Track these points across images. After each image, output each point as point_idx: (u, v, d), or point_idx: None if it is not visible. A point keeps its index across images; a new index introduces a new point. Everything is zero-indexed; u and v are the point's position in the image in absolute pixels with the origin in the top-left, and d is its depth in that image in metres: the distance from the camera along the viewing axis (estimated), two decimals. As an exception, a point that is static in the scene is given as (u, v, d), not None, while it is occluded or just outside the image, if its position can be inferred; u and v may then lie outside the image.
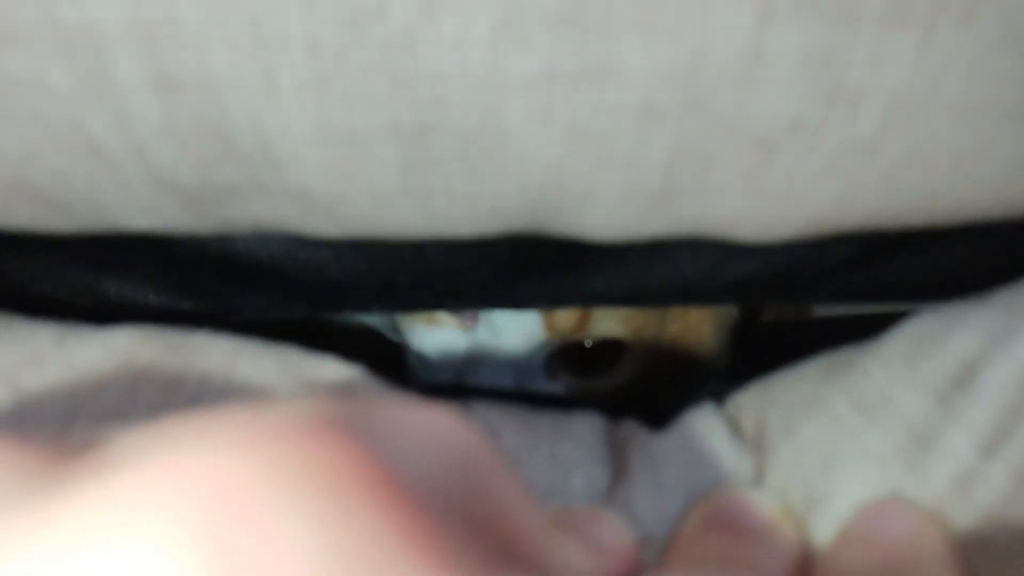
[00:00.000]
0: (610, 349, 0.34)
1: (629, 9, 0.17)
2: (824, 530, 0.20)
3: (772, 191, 0.20)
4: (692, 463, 0.23)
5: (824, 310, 0.42)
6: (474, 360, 0.34)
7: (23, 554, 0.10)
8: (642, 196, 0.21)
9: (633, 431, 0.24)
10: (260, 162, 0.20)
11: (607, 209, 0.21)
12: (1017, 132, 0.19)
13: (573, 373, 0.35)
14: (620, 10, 0.17)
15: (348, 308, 0.29)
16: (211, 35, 0.17)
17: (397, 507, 0.11)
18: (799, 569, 0.20)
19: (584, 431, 0.24)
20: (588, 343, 0.34)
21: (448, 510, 0.12)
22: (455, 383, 0.34)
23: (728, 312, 0.36)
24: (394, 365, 0.36)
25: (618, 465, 0.23)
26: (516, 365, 0.34)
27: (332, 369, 0.24)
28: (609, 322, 0.33)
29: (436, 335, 0.34)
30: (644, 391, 0.35)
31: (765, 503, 0.21)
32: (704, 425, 0.24)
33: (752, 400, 0.24)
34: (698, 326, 0.35)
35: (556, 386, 0.35)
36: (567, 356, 0.35)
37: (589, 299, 0.27)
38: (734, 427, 0.24)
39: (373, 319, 0.37)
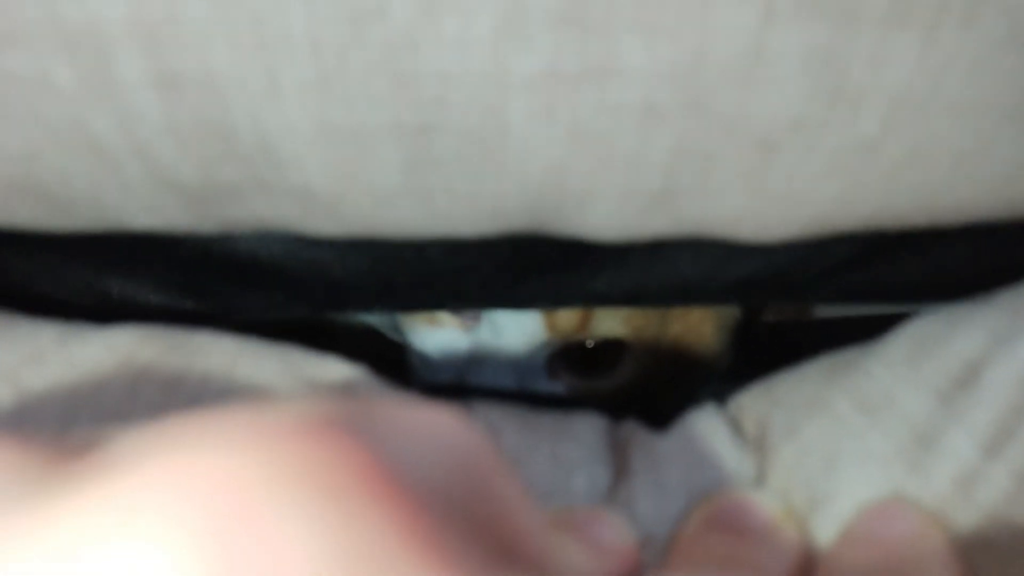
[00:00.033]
0: (611, 349, 0.34)
1: (630, 9, 0.17)
2: (826, 530, 0.20)
3: (773, 191, 0.20)
4: (694, 463, 0.23)
5: (825, 311, 0.42)
6: (475, 360, 0.34)
7: (23, 554, 0.10)
8: (643, 196, 0.21)
9: (634, 431, 0.24)
10: (261, 161, 0.20)
11: (608, 209, 0.21)
12: (1018, 132, 0.19)
13: (574, 373, 0.35)
14: (621, 10, 0.17)
15: (350, 308, 0.29)
16: (213, 34, 0.17)
17: (398, 507, 0.11)
18: (801, 569, 0.20)
19: (585, 431, 0.24)
20: (589, 343, 0.34)
21: (449, 510, 0.12)
22: (456, 383, 0.34)
23: (730, 312, 0.36)
24: (395, 365, 0.36)
25: (619, 465, 0.23)
26: (517, 365, 0.34)
27: (333, 369, 0.24)
28: (610, 322, 0.33)
29: (437, 335, 0.34)
30: (645, 391, 0.35)
31: (767, 503, 0.21)
32: (706, 425, 0.24)
33: (754, 400, 0.24)
34: (699, 326, 0.35)
35: (557, 386, 0.35)
36: (568, 356, 0.35)
37: (590, 299, 0.27)
38: (736, 427, 0.24)
39: (374, 319, 0.37)
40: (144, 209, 0.21)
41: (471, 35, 0.17)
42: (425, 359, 0.35)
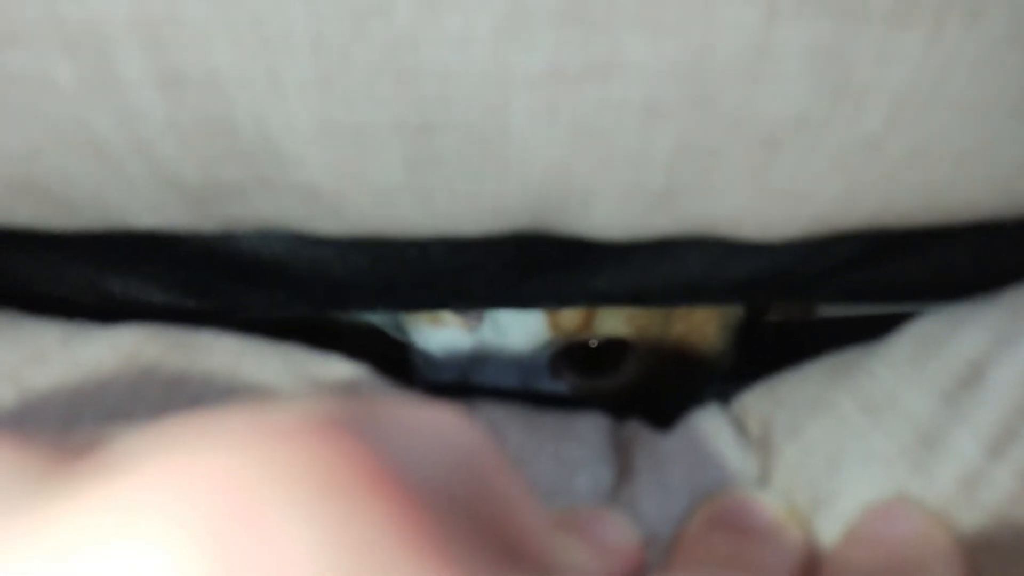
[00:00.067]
0: (615, 349, 0.34)
1: (633, 5, 0.17)
2: (830, 530, 0.20)
3: (776, 189, 0.20)
4: (697, 463, 0.23)
5: (829, 311, 0.42)
6: (478, 359, 0.34)
7: (24, 554, 0.10)
8: (646, 194, 0.20)
9: (638, 431, 0.24)
10: (264, 159, 0.20)
11: (611, 207, 0.21)
12: (1022, 130, 0.19)
13: (578, 373, 0.35)
14: (624, 6, 0.17)
15: (352, 307, 0.29)
16: (215, 32, 0.17)
17: (400, 506, 0.11)
18: (804, 570, 0.20)
19: (589, 431, 0.24)
20: (593, 343, 0.34)
21: (452, 509, 0.12)
22: (459, 382, 0.34)
23: (733, 312, 0.36)
24: (398, 364, 0.36)
25: (622, 465, 0.23)
26: (520, 365, 0.34)
27: (336, 368, 0.24)
28: (614, 322, 0.33)
29: (440, 334, 0.34)
30: (648, 391, 0.35)
31: (770, 503, 0.21)
32: (709, 425, 0.24)
33: (757, 400, 0.24)
34: (703, 326, 0.35)
35: (560, 386, 0.35)
36: (572, 356, 0.35)
37: (593, 298, 0.27)
38: (739, 427, 0.24)
39: (378, 318, 0.37)
40: (146, 208, 0.21)
41: (473, 33, 0.17)
42: (428, 358, 0.35)
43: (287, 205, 0.21)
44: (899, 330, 0.23)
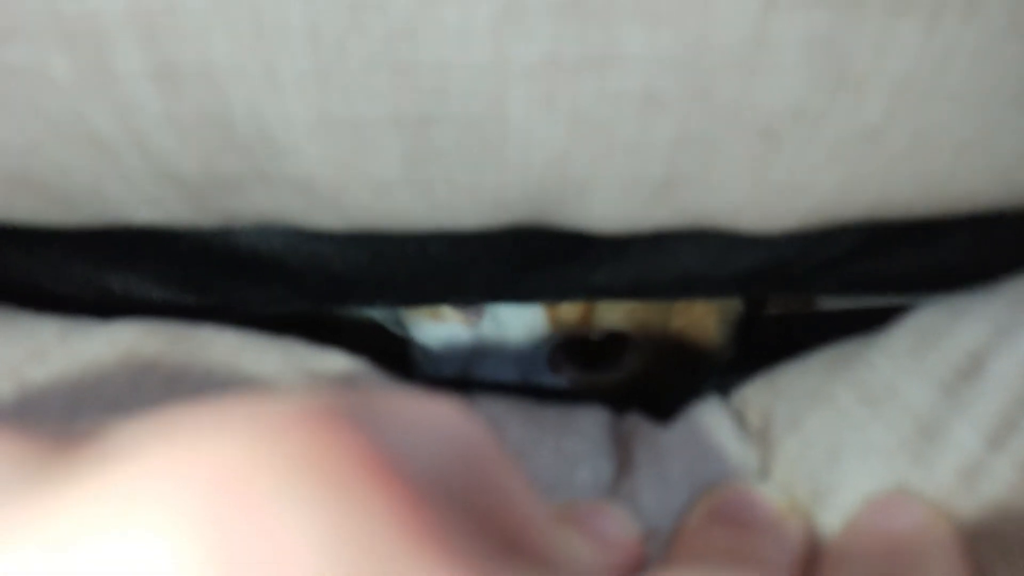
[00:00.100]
0: (614, 343, 0.34)
1: (630, -4, 0.17)
2: (830, 523, 0.20)
3: (775, 180, 0.20)
4: (697, 456, 0.23)
5: (828, 303, 0.42)
6: (478, 354, 0.34)
7: (24, 544, 0.10)
8: (645, 185, 0.20)
9: (638, 424, 0.24)
10: (261, 152, 0.20)
11: (609, 199, 0.21)
12: (1021, 120, 0.19)
13: (577, 367, 0.35)
14: (621, -2, 0.17)
15: (351, 302, 0.29)
16: (212, 25, 0.17)
17: (398, 496, 0.11)
18: (804, 562, 0.20)
19: (589, 425, 0.24)
20: (592, 337, 0.34)
21: (451, 501, 0.12)
22: (459, 377, 0.34)
23: (733, 306, 0.36)
24: (398, 359, 0.36)
25: (623, 458, 0.23)
26: (520, 359, 0.34)
27: (336, 362, 0.24)
28: (613, 316, 0.33)
29: (440, 329, 0.34)
30: (648, 386, 0.35)
31: (770, 496, 0.21)
32: (709, 418, 0.24)
33: (757, 393, 0.24)
34: (702, 320, 0.35)
35: (560, 380, 0.35)
36: (571, 350, 0.34)
37: (593, 292, 0.27)
38: (739, 420, 0.24)
39: (377, 313, 0.37)
40: (144, 202, 0.21)
41: (471, 24, 0.17)
42: (428, 353, 0.35)
43: (285, 199, 0.21)
44: (898, 321, 0.23)
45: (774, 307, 0.40)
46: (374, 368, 0.24)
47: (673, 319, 0.34)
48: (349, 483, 0.10)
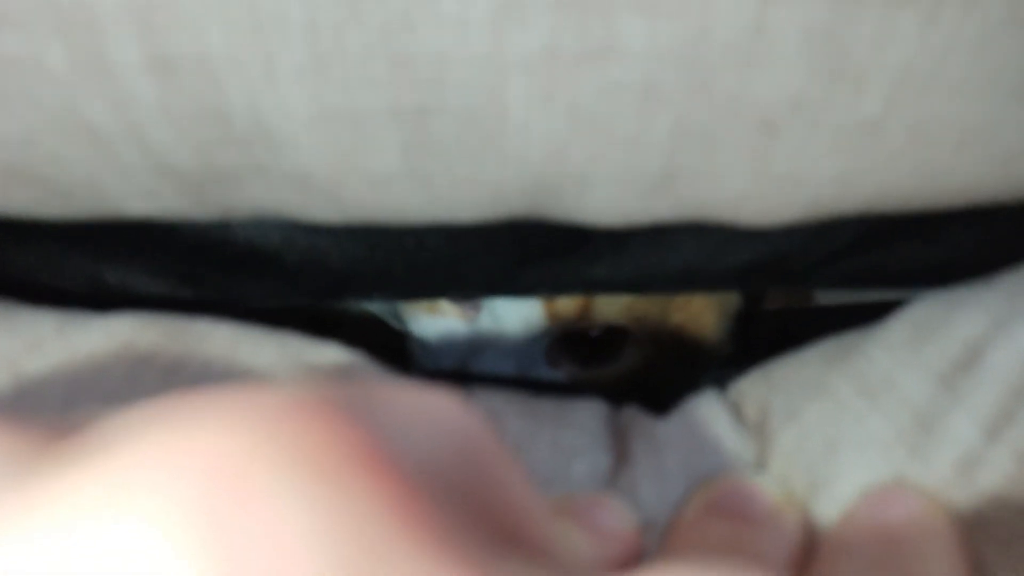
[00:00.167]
0: (612, 337, 0.34)
1: (630, -13, 0.17)
2: (827, 515, 0.20)
3: (774, 172, 0.20)
4: (694, 449, 0.23)
5: (827, 298, 0.42)
6: (476, 348, 0.34)
7: (17, 531, 0.10)
8: (643, 178, 0.20)
9: (635, 417, 0.24)
10: (258, 145, 0.19)
11: (608, 192, 0.21)
12: (1021, 112, 0.19)
13: (575, 362, 0.35)
14: (620, -12, 0.17)
15: (348, 296, 0.29)
16: (208, 16, 0.17)
17: (394, 488, 0.11)
18: (801, 554, 0.20)
19: (586, 417, 0.24)
20: (591, 331, 0.34)
21: (448, 494, 0.12)
22: (457, 370, 0.34)
23: (731, 300, 0.36)
24: (396, 353, 0.36)
25: (620, 451, 0.23)
26: (518, 353, 0.34)
27: (332, 354, 0.24)
28: (611, 310, 0.33)
29: (438, 323, 0.34)
30: (646, 380, 0.35)
31: (767, 488, 0.21)
32: (706, 411, 0.24)
33: (754, 385, 0.24)
34: (701, 315, 0.35)
35: (557, 375, 0.35)
36: (569, 344, 0.34)
37: (591, 286, 0.27)
38: (736, 412, 0.24)
39: (375, 307, 0.37)
40: (141, 195, 0.21)
41: (469, 15, 0.17)
42: (426, 347, 0.35)
43: (282, 192, 0.21)
44: (896, 313, 0.23)
45: (772, 302, 0.40)
46: (371, 361, 0.24)
47: (671, 314, 0.34)
48: (345, 474, 0.10)
